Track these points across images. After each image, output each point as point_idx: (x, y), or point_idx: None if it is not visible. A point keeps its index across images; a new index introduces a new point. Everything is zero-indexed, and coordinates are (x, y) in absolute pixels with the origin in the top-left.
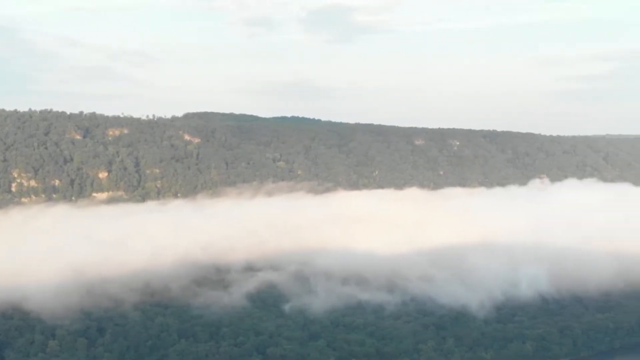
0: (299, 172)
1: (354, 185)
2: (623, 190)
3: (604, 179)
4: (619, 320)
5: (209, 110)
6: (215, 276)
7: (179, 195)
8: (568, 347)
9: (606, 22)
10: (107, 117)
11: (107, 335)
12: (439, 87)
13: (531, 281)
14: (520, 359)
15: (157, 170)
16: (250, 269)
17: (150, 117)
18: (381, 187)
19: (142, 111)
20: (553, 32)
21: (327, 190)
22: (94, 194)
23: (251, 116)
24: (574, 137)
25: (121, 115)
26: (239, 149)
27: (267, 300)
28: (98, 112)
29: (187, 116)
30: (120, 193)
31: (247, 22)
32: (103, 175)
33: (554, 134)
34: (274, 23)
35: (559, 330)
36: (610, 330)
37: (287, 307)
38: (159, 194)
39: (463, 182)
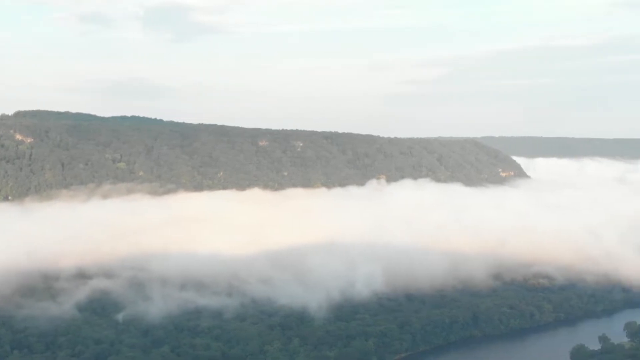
0: (141, 173)
1: (198, 187)
2: (454, 190)
3: (438, 179)
4: (454, 315)
5: (42, 108)
6: (43, 284)
7: (10, 198)
8: (408, 342)
9: (436, 29)
10: None
11: None
12: (281, 88)
13: (369, 280)
14: (363, 356)
15: None
16: (82, 275)
17: None
18: (226, 188)
19: None
20: (387, 38)
21: (169, 191)
22: None
23: (89, 115)
24: (410, 139)
25: None
26: (75, 150)
27: (104, 308)
28: None
29: (19, 114)
30: None
31: (81, 18)
32: None
33: (392, 135)
34: (110, 20)
35: (399, 326)
36: (447, 325)
37: (121, 316)
38: None
39: (306, 183)
